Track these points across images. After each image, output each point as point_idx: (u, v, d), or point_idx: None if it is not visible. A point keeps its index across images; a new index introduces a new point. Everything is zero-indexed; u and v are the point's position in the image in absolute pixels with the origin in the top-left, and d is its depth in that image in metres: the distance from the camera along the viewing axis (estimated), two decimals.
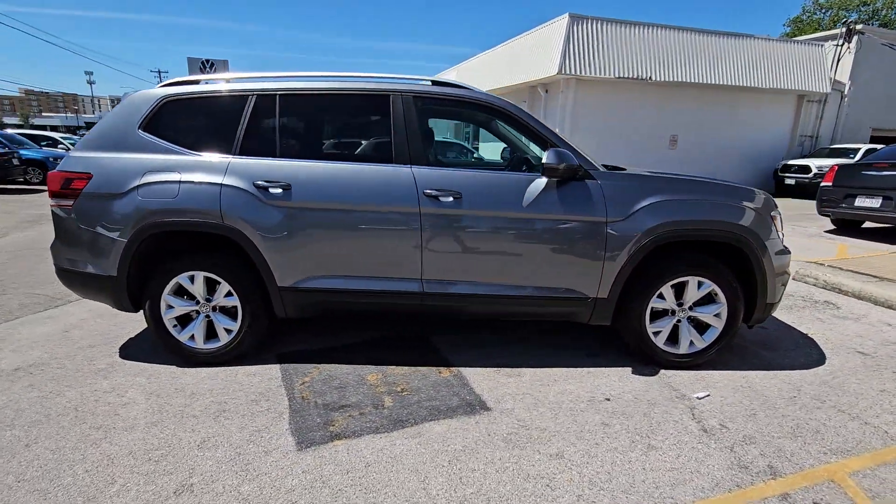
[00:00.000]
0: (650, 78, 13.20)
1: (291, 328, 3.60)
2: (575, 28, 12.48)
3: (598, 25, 12.79)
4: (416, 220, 2.79)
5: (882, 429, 2.46)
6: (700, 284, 2.93)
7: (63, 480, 2.00)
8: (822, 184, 7.87)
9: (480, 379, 2.89)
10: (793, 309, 4.30)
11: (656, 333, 2.99)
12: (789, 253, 3.09)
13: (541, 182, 2.81)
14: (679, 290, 2.97)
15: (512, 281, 2.90)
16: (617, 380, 2.91)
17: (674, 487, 2.00)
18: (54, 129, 41.93)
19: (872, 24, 25.97)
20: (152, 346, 3.21)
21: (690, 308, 2.99)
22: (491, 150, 13.09)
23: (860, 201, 7.23)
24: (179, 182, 2.77)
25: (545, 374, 2.97)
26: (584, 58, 12.61)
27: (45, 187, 3.24)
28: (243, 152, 2.85)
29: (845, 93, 16.04)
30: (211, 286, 2.93)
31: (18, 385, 2.77)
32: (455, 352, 3.24)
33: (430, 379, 2.87)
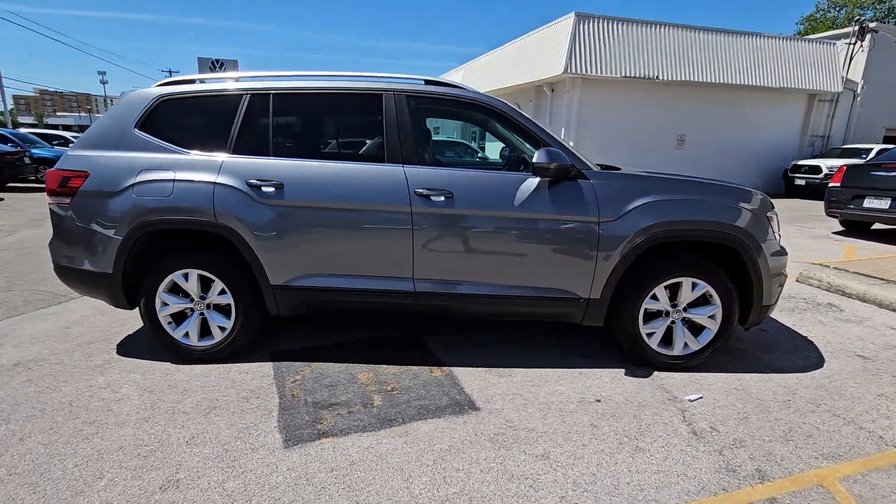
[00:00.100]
0: (657, 77, 13.09)
1: (286, 327, 3.62)
2: (581, 27, 12.41)
3: (605, 24, 12.71)
4: (408, 220, 2.79)
5: (877, 433, 2.42)
6: (694, 285, 2.90)
7: (53, 474, 2.03)
8: (830, 184, 7.75)
9: (472, 379, 2.88)
10: (794, 311, 4.24)
11: (650, 335, 2.97)
12: (786, 254, 3.04)
13: (533, 182, 2.80)
14: (673, 292, 2.95)
15: (504, 281, 2.89)
16: (609, 381, 2.89)
17: (658, 490, 1.99)
18: (67, 128, 42.56)
19: (888, 23, 25.56)
20: (149, 344, 3.25)
21: (685, 309, 2.97)
22: (495, 149, 13.07)
23: (869, 202, 7.11)
24: (174, 181, 2.80)
25: (537, 374, 2.96)
26: (590, 57, 12.54)
27: None
28: (237, 151, 2.88)
29: (858, 92, 15.79)
30: (205, 284, 2.96)
31: (17, 380, 2.82)
32: (449, 352, 3.24)
33: (422, 378, 2.88)
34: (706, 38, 13.62)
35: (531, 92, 15.01)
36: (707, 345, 2.98)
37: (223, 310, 3.00)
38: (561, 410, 2.57)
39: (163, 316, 2.96)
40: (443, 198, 2.77)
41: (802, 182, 13.83)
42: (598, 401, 2.67)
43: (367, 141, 3.10)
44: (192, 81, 3.07)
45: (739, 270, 2.94)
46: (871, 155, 12.24)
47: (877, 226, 8.13)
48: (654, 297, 2.92)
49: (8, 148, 12.29)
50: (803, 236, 7.84)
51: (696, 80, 13.52)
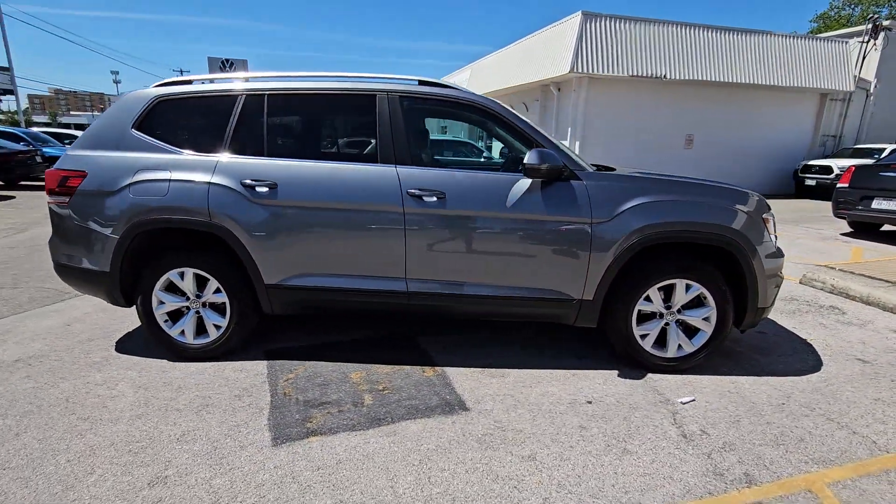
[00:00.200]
0: (665, 76, 12.97)
1: (282, 325, 3.65)
2: (588, 26, 12.33)
3: (612, 23, 12.62)
4: (400, 220, 2.80)
5: (870, 438, 2.39)
6: (688, 287, 2.88)
7: (46, 469, 2.07)
8: (838, 185, 7.64)
9: (463, 379, 2.89)
10: (795, 313, 4.19)
11: (643, 336, 2.95)
12: (782, 256, 3.01)
13: (525, 182, 2.79)
14: (667, 293, 2.93)
15: (496, 281, 2.89)
16: (602, 383, 2.88)
17: (643, 493, 1.98)
18: (80, 127, 43.13)
19: None
20: (147, 341, 3.29)
21: (679, 311, 2.95)
22: (500, 149, 13.04)
23: (877, 203, 7.00)
24: (169, 180, 2.83)
25: (530, 375, 2.96)
26: (596, 56, 12.46)
27: None
28: (232, 151, 2.91)
29: (871, 91, 15.51)
30: (201, 283, 2.99)
31: (16, 376, 2.87)
32: (443, 352, 3.25)
33: (414, 378, 2.89)
34: (715, 36, 13.47)
35: (538, 91, 14.95)
36: (701, 347, 2.96)
37: (218, 308, 3.03)
38: (551, 411, 2.56)
39: (159, 314, 3.00)
40: (435, 198, 2.78)
41: (813, 182, 13.63)
42: (589, 402, 2.66)
43: (361, 141, 3.11)
44: (189, 82, 3.11)
45: (734, 272, 2.91)
46: (884, 155, 12.03)
47: (886, 227, 8.00)
48: (648, 299, 2.91)
49: (20, 147, 12.51)
50: (810, 237, 7.74)
51: (705, 79, 13.37)
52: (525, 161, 2.70)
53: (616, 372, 3.00)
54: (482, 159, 11.90)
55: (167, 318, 3.03)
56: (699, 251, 2.96)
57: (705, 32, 13.40)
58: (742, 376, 2.99)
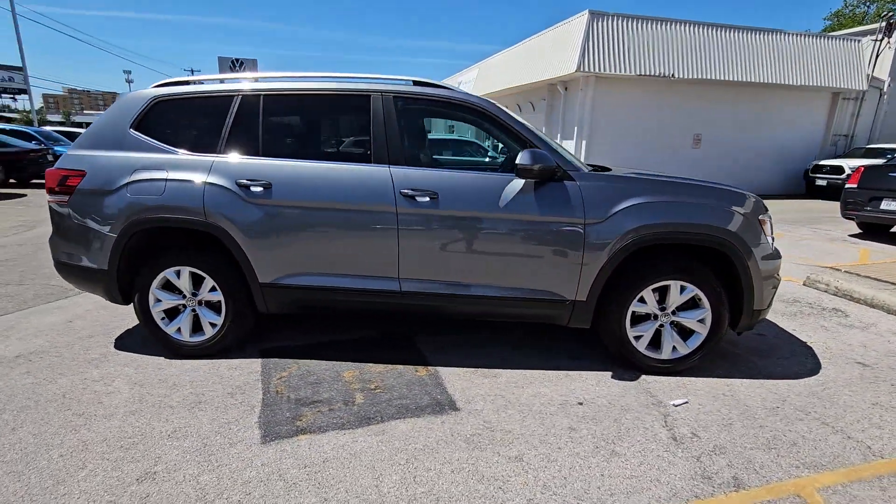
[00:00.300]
0: (673, 75, 12.86)
1: (279, 324, 3.67)
2: (595, 25, 12.26)
3: (619, 22, 12.54)
4: (393, 220, 2.81)
5: (865, 443, 2.36)
6: (683, 289, 2.86)
7: (39, 463, 2.11)
8: (847, 186, 7.52)
9: (455, 379, 2.89)
10: (797, 316, 4.14)
11: (637, 338, 2.94)
12: (779, 257, 2.98)
13: (518, 183, 2.78)
14: (662, 295, 2.91)
15: (489, 282, 2.89)
16: (594, 384, 2.87)
17: (628, 495, 1.97)
18: None
19: None
20: (145, 338, 3.33)
21: (673, 313, 2.92)
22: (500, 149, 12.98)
23: (886, 204, 6.88)
24: (166, 180, 2.87)
25: (522, 375, 2.95)
26: (603, 55, 12.38)
27: None
28: (228, 151, 2.93)
29: (884, 90, 15.25)
30: (197, 281, 3.02)
31: (16, 371, 2.92)
32: (437, 352, 3.25)
33: (406, 377, 2.89)
34: (724, 35, 13.33)
35: (545, 90, 14.89)
36: (696, 349, 2.93)
37: (214, 306, 3.06)
38: (541, 412, 2.56)
39: (156, 312, 3.03)
40: (428, 198, 2.78)
41: (824, 182, 13.44)
42: (581, 403, 2.65)
43: (355, 141, 3.12)
44: (187, 83, 3.14)
45: (730, 274, 2.89)
46: None
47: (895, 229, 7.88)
48: (642, 300, 2.89)
49: (32, 145, 12.71)
50: (818, 238, 7.63)
51: (714, 78, 13.23)
52: (517, 161, 2.70)
53: (610, 373, 2.99)
54: (487, 159, 11.88)
55: (164, 315, 3.07)
56: (694, 252, 2.93)
57: (714, 31, 13.26)
58: (738, 379, 2.97)
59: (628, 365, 3.02)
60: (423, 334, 3.53)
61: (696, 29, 13.11)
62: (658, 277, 2.83)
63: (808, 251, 6.70)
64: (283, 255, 2.90)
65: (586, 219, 2.76)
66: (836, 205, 8.06)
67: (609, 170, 3.14)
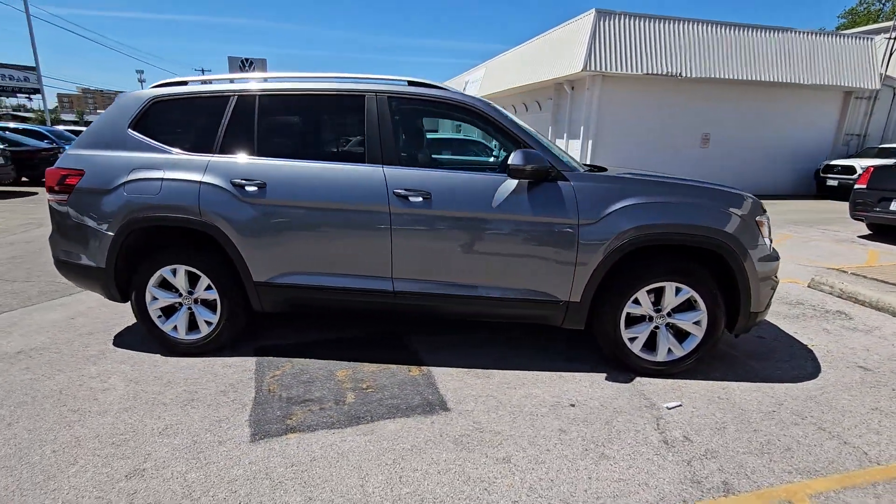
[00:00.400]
0: (680, 74, 12.73)
1: (276, 323, 3.69)
2: (602, 23, 12.18)
3: (626, 20, 12.44)
4: (386, 220, 2.81)
5: (861, 449, 2.31)
6: (678, 290, 2.83)
7: (31, 458, 2.13)
8: (856, 186, 7.41)
9: (448, 379, 2.89)
10: (799, 318, 4.08)
11: (632, 339, 2.91)
12: (777, 259, 2.93)
13: (511, 183, 2.77)
14: (657, 296, 2.88)
15: (482, 282, 2.88)
16: (588, 385, 2.85)
17: (615, 499, 1.95)
18: None
19: None
20: (143, 336, 3.36)
21: (669, 314, 2.89)
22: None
23: None
24: (162, 179, 2.89)
25: (515, 376, 2.94)
26: (610, 54, 12.29)
27: None
28: (223, 151, 2.95)
29: None
30: (193, 280, 3.05)
31: (16, 367, 2.97)
32: (432, 351, 3.25)
33: (398, 377, 2.89)
34: (732, 33, 13.17)
35: (551, 90, 14.82)
36: (691, 351, 2.90)
37: (210, 305, 3.08)
38: (532, 414, 2.55)
39: (152, 309, 3.06)
40: (421, 198, 2.78)
41: (835, 183, 13.24)
42: (573, 405, 2.64)
43: (350, 141, 3.13)
44: (185, 83, 3.16)
45: (727, 275, 2.85)
46: None
47: None
48: (637, 302, 2.86)
49: (44, 144, 12.90)
50: (826, 240, 7.52)
51: (722, 77, 13.08)
52: (509, 162, 2.69)
53: (604, 375, 2.97)
54: (492, 159, 11.85)
55: (160, 313, 3.09)
56: (690, 254, 2.90)
57: (722, 30, 13.11)
58: (734, 382, 2.93)
59: (623, 367, 2.99)
60: (420, 334, 3.53)
61: (705, 27, 12.97)
62: (653, 279, 2.81)
63: (814, 252, 6.60)
64: (277, 254, 2.91)
65: (580, 219, 2.74)
66: (847, 205, 7.94)
67: (605, 170, 3.11)
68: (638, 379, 2.93)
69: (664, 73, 12.69)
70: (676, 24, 12.80)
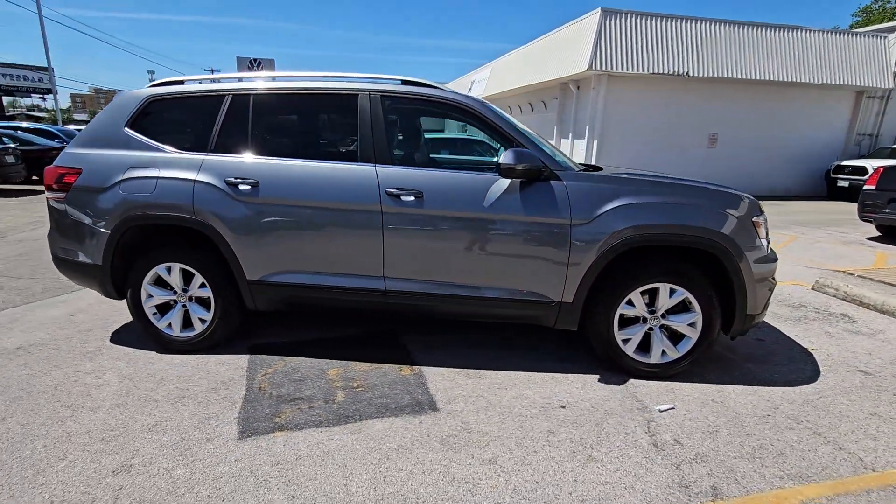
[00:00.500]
0: (687, 74, 12.61)
1: (270, 321, 3.70)
2: (607, 23, 12.10)
3: (632, 19, 12.34)
4: (378, 219, 2.81)
5: (857, 455, 2.27)
6: (672, 292, 2.79)
7: (22, 453, 2.16)
8: (865, 187, 7.28)
9: (439, 379, 2.88)
10: (801, 321, 4.01)
11: (626, 341, 2.88)
12: (775, 260, 2.89)
13: (503, 183, 2.76)
14: (651, 297, 2.85)
15: (474, 282, 2.87)
16: (580, 387, 2.82)
17: (600, 502, 1.93)
18: None
19: None
20: (140, 333, 3.39)
21: (663, 316, 2.86)
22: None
23: None
24: (157, 178, 2.91)
25: (507, 377, 2.92)
26: (616, 53, 12.20)
27: None
28: (218, 150, 2.96)
29: None
30: (187, 277, 3.07)
31: (14, 363, 3.01)
32: (425, 351, 3.24)
33: (389, 377, 2.89)
34: (740, 32, 13.01)
35: (557, 89, 14.76)
36: (686, 353, 2.87)
37: (203, 303, 3.10)
38: (521, 415, 2.53)
39: (148, 307, 3.09)
40: (413, 198, 2.77)
41: (846, 184, 13.03)
42: (563, 407, 2.61)
43: (343, 140, 3.13)
44: (181, 83, 3.18)
45: (723, 277, 2.81)
46: None
47: None
48: (630, 303, 2.83)
49: (54, 144, 13.08)
50: (832, 241, 7.40)
51: (730, 76, 12.93)
52: (500, 161, 2.67)
53: (597, 377, 2.94)
54: (495, 159, 11.81)
55: (156, 310, 3.12)
56: (685, 254, 2.87)
57: (730, 28, 12.96)
58: (730, 385, 2.89)
59: (616, 368, 2.97)
60: (415, 333, 3.53)
61: (712, 26, 12.83)
62: (647, 280, 2.78)
63: (820, 254, 6.51)
64: (270, 252, 2.92)
65: (572, 219, 2.71)
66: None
67: (600, 170, 3.08)
68: (631, 381, 2.90)
69: (671, 72, 12.58)
70: (683, 23, 12.68)
